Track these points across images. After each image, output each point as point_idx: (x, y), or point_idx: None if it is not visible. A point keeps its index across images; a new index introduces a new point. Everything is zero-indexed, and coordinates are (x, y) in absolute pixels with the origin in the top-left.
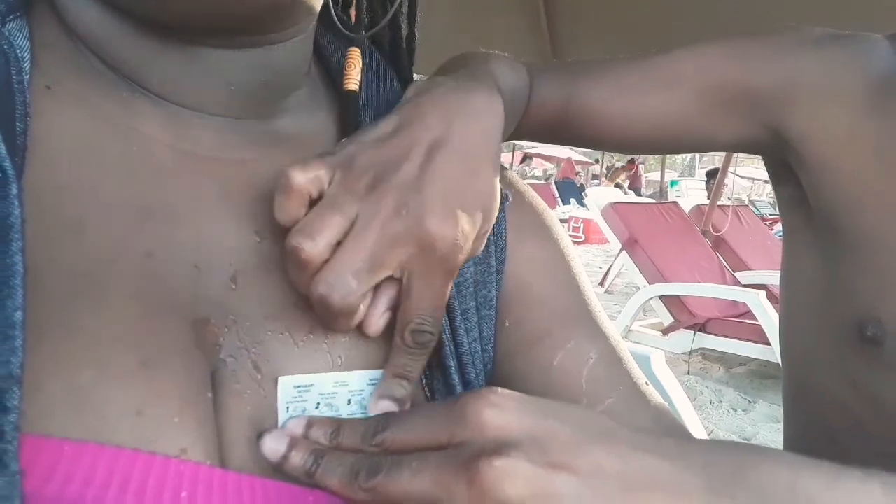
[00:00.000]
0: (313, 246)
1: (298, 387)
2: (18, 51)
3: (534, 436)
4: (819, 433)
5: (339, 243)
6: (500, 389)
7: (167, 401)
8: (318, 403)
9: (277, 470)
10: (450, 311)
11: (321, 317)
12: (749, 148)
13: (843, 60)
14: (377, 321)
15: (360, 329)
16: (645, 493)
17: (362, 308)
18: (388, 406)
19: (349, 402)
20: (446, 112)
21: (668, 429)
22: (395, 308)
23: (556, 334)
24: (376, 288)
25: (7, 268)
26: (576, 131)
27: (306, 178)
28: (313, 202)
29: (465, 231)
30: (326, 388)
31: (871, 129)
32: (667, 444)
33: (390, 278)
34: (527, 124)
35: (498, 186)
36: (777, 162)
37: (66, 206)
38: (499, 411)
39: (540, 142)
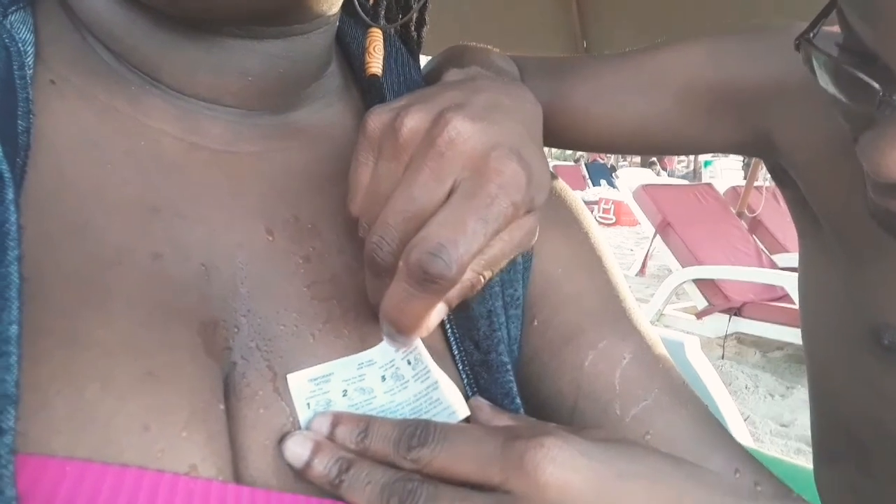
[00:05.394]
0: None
1: (314, 379)
2: (21, 44)
3: (600, 500)
4: (839, 427)
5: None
6: (562, 434)
7: (175, 413)
8: (345, 391)
9: (299, 479)
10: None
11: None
12: (741, 151)
13: None
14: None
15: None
16: None
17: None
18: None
19: (384, 378)
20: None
21: (707, 432)
22: None
23: (587, 333)
24: None
25: (1, 279)
26: (557, 132)
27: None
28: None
29: (528, 174)
30: (350, 373)
31: None
32: None
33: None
34: None
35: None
36: (775, 165)
37: (70, 207)
38: (561, 469)
39: None
